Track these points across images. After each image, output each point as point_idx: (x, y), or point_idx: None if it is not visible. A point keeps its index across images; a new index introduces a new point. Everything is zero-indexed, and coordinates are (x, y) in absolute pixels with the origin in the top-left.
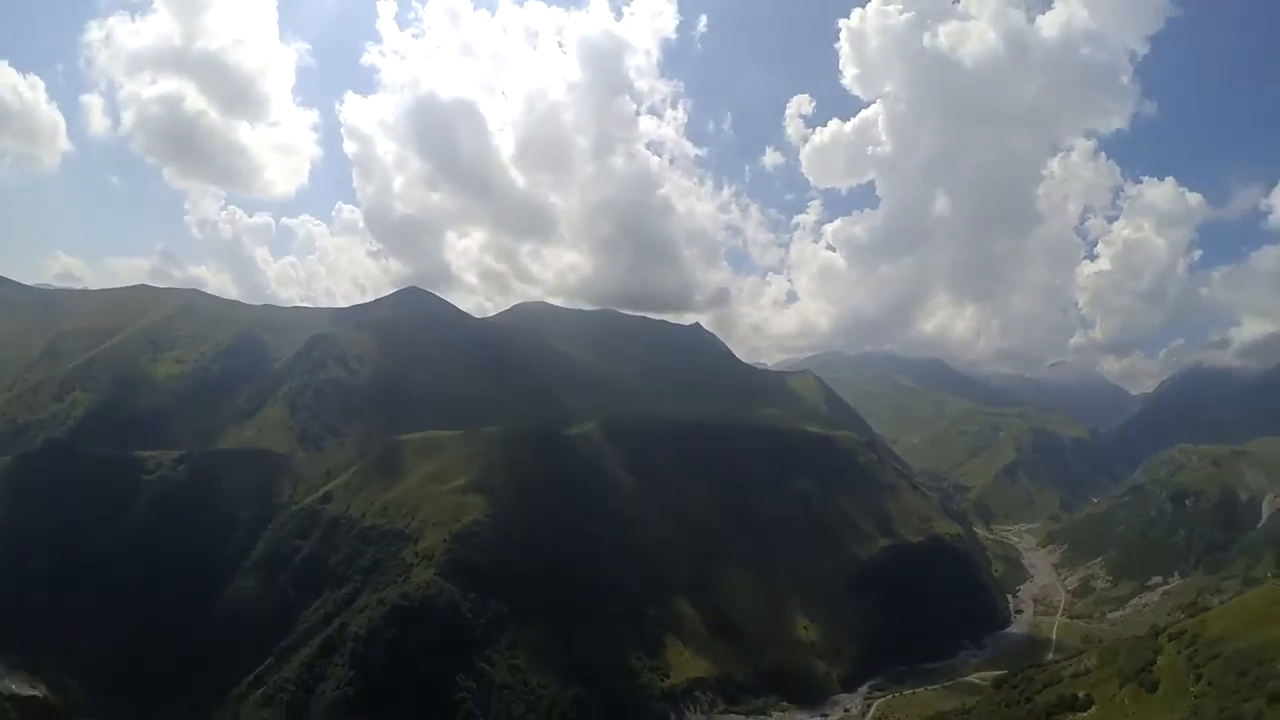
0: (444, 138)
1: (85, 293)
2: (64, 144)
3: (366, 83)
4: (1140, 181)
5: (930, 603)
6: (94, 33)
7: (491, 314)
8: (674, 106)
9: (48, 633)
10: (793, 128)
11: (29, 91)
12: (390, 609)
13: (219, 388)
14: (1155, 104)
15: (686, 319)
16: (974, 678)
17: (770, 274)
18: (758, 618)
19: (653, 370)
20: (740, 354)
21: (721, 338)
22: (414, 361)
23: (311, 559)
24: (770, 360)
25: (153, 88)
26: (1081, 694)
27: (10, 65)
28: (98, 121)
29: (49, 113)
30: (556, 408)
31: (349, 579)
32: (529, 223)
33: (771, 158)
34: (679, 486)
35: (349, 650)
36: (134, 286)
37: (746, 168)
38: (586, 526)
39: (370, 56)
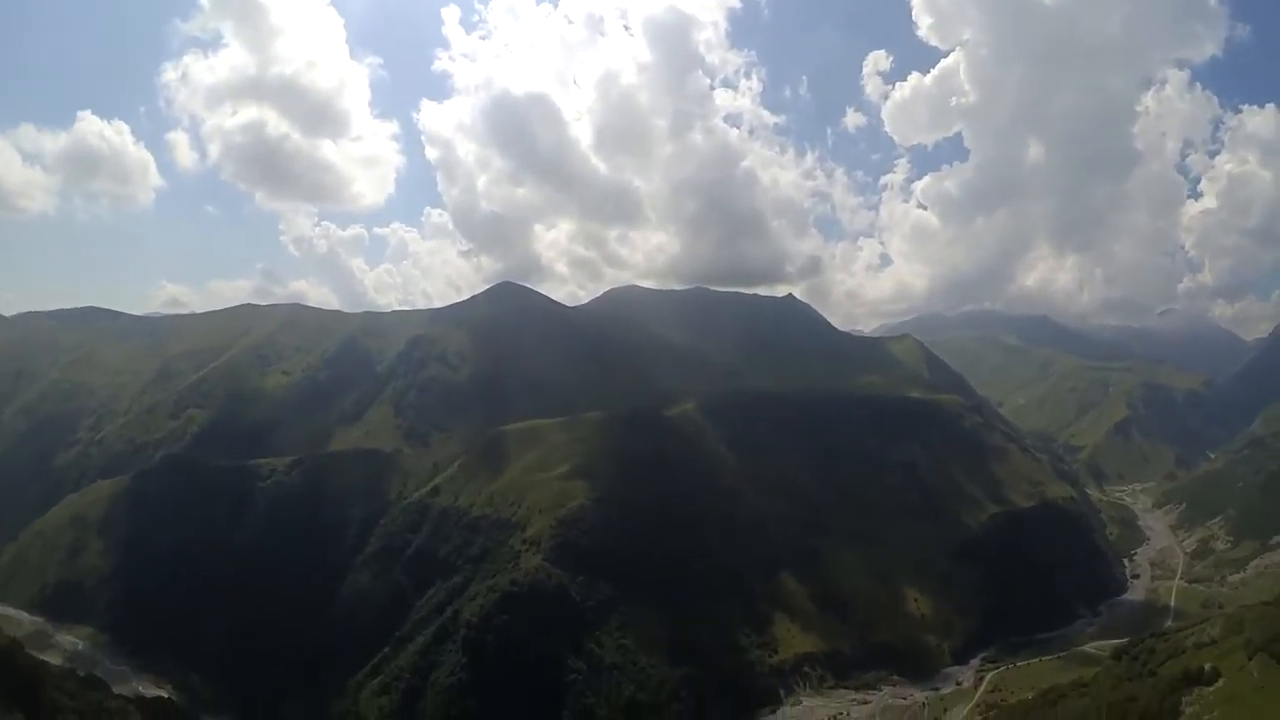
0: (522, 133)
1: (192, 316)
2: (155, 180)
3: (441, 88)
4: (1240, 111)
5: (1043, 570)
6: (170, 74)
7: (584, 301)
8: (748, 76)
9: (174, 636)
10: (871, 85)
11: (115, 136)
12: (501, 595)
13: (326, 394)
14: (1248, 27)
15: (780, 290)
16: (1090, 647)
17: (861, 238)
18: (865, 591)
19: (748, 345)
20: (836, 322)
21: (816, 307)
22: (511, 354)
23: (423, 551)
24: (867, 327)
25: (234, 118)
26: (1207, 666)
27: (94, 114)
28: (185, 156)
29: (137, 153)
30: (654, 389)
31: (460, 568)
32: (614, 208)
33: (853, 119)
34: (781, 461)
35: (462, 637)
36: (238, 306)
37: (828, 131)
38: (690, 505)
39: (441, 63)
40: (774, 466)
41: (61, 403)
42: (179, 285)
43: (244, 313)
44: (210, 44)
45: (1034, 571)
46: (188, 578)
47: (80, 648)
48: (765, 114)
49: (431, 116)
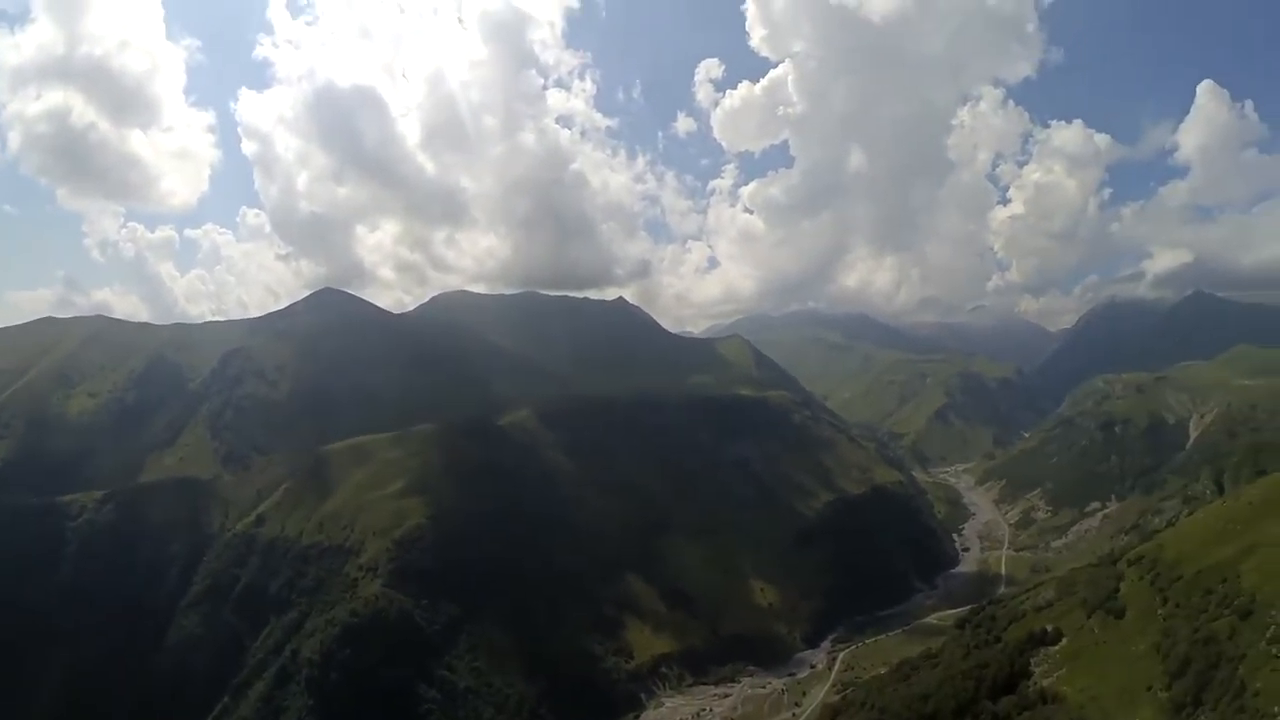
0: (346, 128)
1: None
2: None
3: (261, 77)
4: (1049, 126)
5: (879, 550)
6: None
7: (411, 308)
8: (582, 78)
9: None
10: (703, 92)
11: None
12: (341, 628)
13: (136, 418)
14: (1061, 50)
15: (610, 294)
16: (933, 619)
17: (690, 241)
18: (712, 586)
19: (580, 349)
20: (667, 324)
21: (647, 309)
22: (336, 366)
23: (252, 587)
24: (697, 328)
25: (38, 102)
26: (1049, 627)
27: None
28: None
29: None
30: (487, 397)
31: (294, 603)
32: (441, 209)
33: (684, 124)
34: (619, 464)
35: (305, 676)
36: (38, 320)
37: (660, 135)
38: (530, 515)
39: (263, 49)
40: (612, 470)
41: None
42: None
43: (44, 327)
44: (17, 18)
45: (871, 552)
46: (4, 629)
47: None
48: (598, 116)
49: (250, 107)
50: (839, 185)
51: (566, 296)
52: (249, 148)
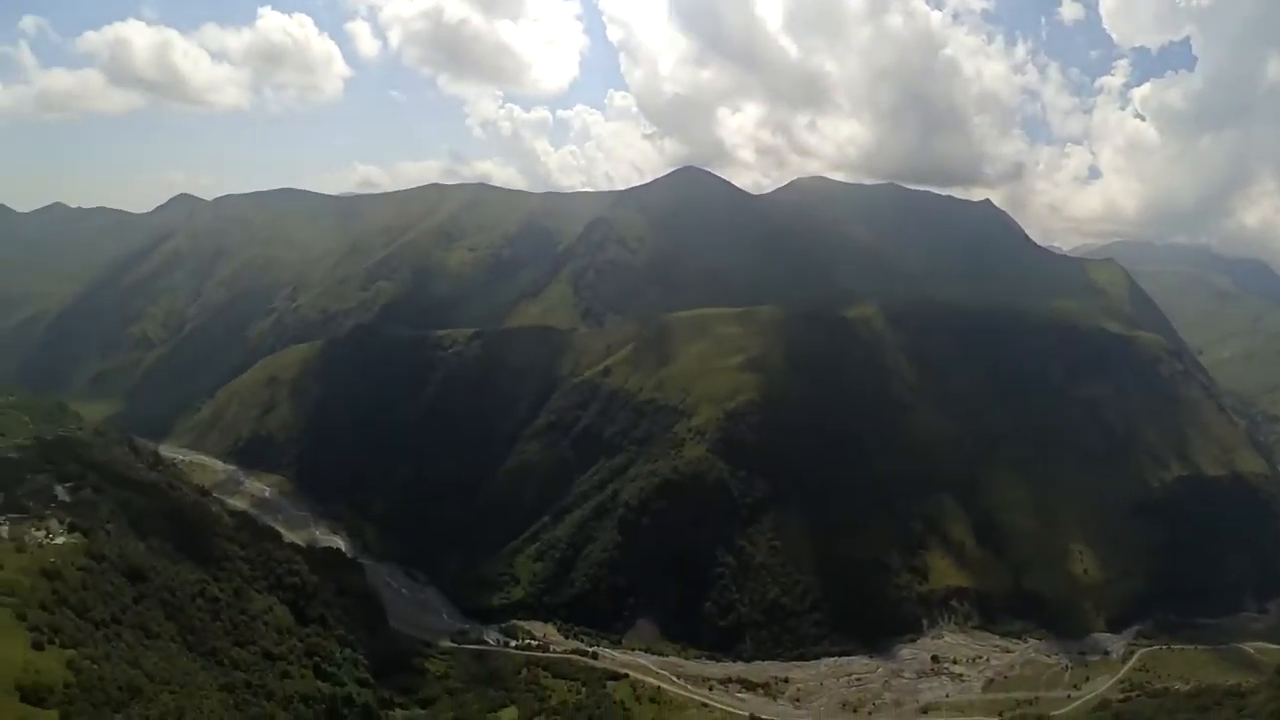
0: (707, 11)
1: (381, 196)
2: (342, 69)
3: None
4: None
5: (1217, 549)
6: None
7: (768, 190)
8: None
9: (352, 489)
10: None
11: (298, 29)
12: (661, 481)
13: (507, 271)
14: None
15: (976, 194)
16: (1250, 647)
17: (1070, 145)
18: (1026, 533)
19: (937, 250)
20: (1034, 235)
21: (1014, 216)
22: (690, 240)
23: (590, 429)
24: (1066, 244)
25: (411, 4)
26: None
27: (274, 9)
28: (368, 45)
29: (321, 44)
30: (834, 288)
31: (623, 449)
32: (803, 93)
33: (1069, 9)
34: (958, 379)
35: (618, 516)
36: (425, 186)
37: (1041, 21)
38: (858, 413)
39: None
40: (949, 383)
41: (259, 277)
42: (370, 166)
43: (431, 192)
44: None
45: (1207, 549)
46: (368, 437)
47: (267, 494)
48: None
49: None
50: (1250, 98)
51: (929, 193)
52: (614, 34)
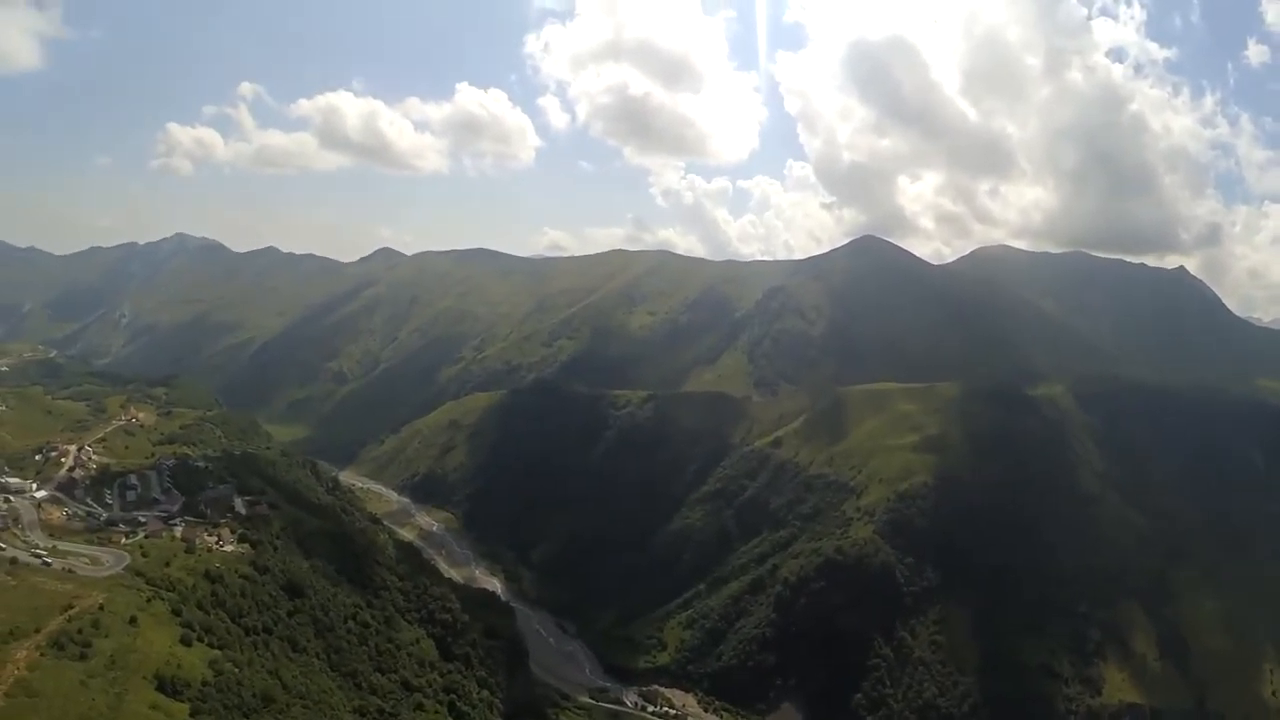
0: (883, 80)
1: (568, 259)
2: (534, 140)
3: (795, 38)
4: None
5: None
6: (532, 44)
7: (949, 260)
8: (1128, 3)
9: (515, 534)
10: (1273, 12)
11: (494, 103)
12: (823, 560)
13: (685, 336)
14: None
15: (1168, 261)
16: None
17: (1269, 203)
18: (1216, 648)
19: (1127, 323)
20: (1232, 305)
21: (1210, 284)
22: (868, 311)
23: (755, 500)
24: (1268, 315)
25: (598, 80)
26: None
27: (471, 84)
28: (557, 117)
29: (515, 117)
30: (1017, 363)
31: (788, 523)
32: (984, 158)
33: (1255, 52)
34: (1149, 467)
35: (775, 592)
36: (610, 251)
37: (1229, 66)
38: (1040, 501)
39: (793, 12)
40: (1140, 471)
41: (450, 326)
42: (559, 231)
43: (615, 257)
44: (565, 14)
45: None
46: (537, 486)
47: (435, 529)
48: (1152, 47)
49: (788, 67)
50: None
51: (1118, 261)
52: (791, 105)
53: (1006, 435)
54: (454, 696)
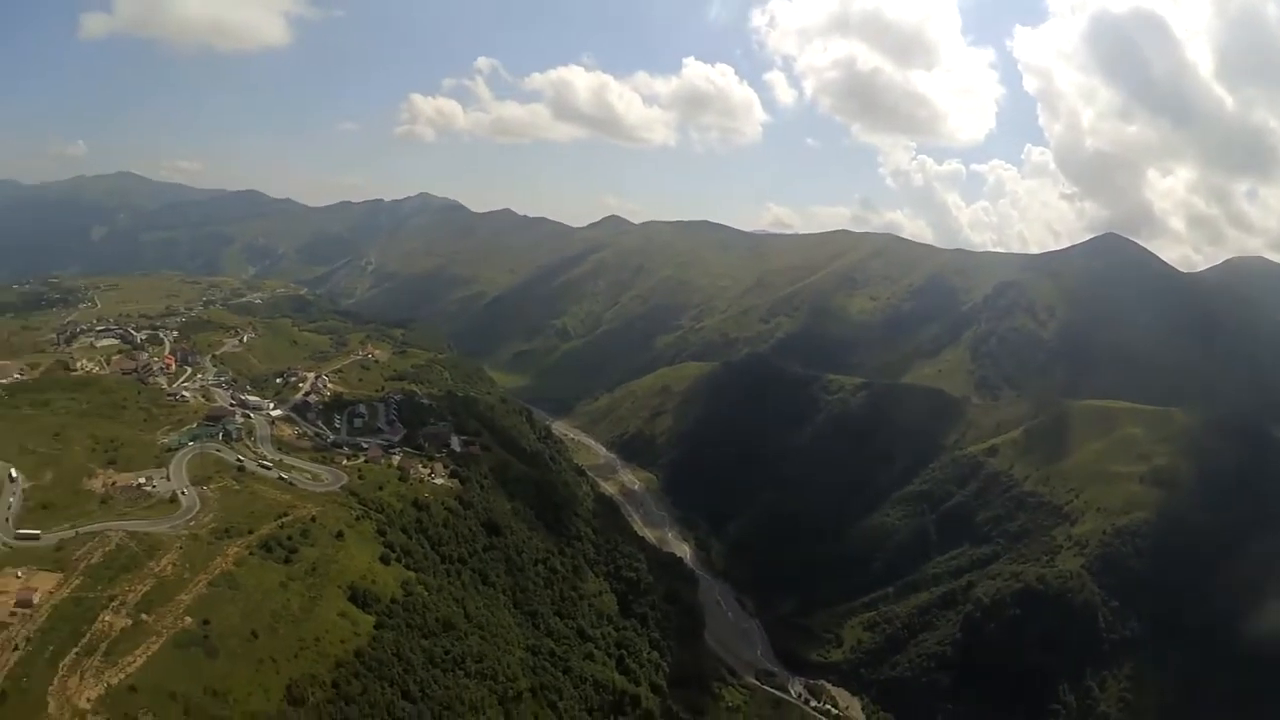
0: (1131, 59)
1: (792, 236)
2: (761, 115)
3: (1034, 11)
4: None
5: None
6: (758, 19)
7: (1200, 268)
8: None
9: (711, 503)
10: None
11: (720, 78)
12: (1022, 587)
13: (906, 325)
14: None
15: None
16: None
17: None
18: None
19: None
20: None
21: None
22: (1105, 317)
23: (961, 508)
24: None
25: (824, 55)
26: None
27: (698, 59)
28: (784, 93)
29: (742, 91)
30: (1269, 394)
31: (991, 539)
32: (1242, 154)
33: None
34: None
35: (965, 612)
36: (834, 231)
37: None
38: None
39: None
40: None
41: (670, 295)
42: (782, 207)
43: (839, 238)
44: None
45: None
46: (740, 460)
47: (636, 487)
48: None
49: (1027, 43)
50: None
51: None
52: (1030, 84)
53: (1248, 478)
54: (624, 652)
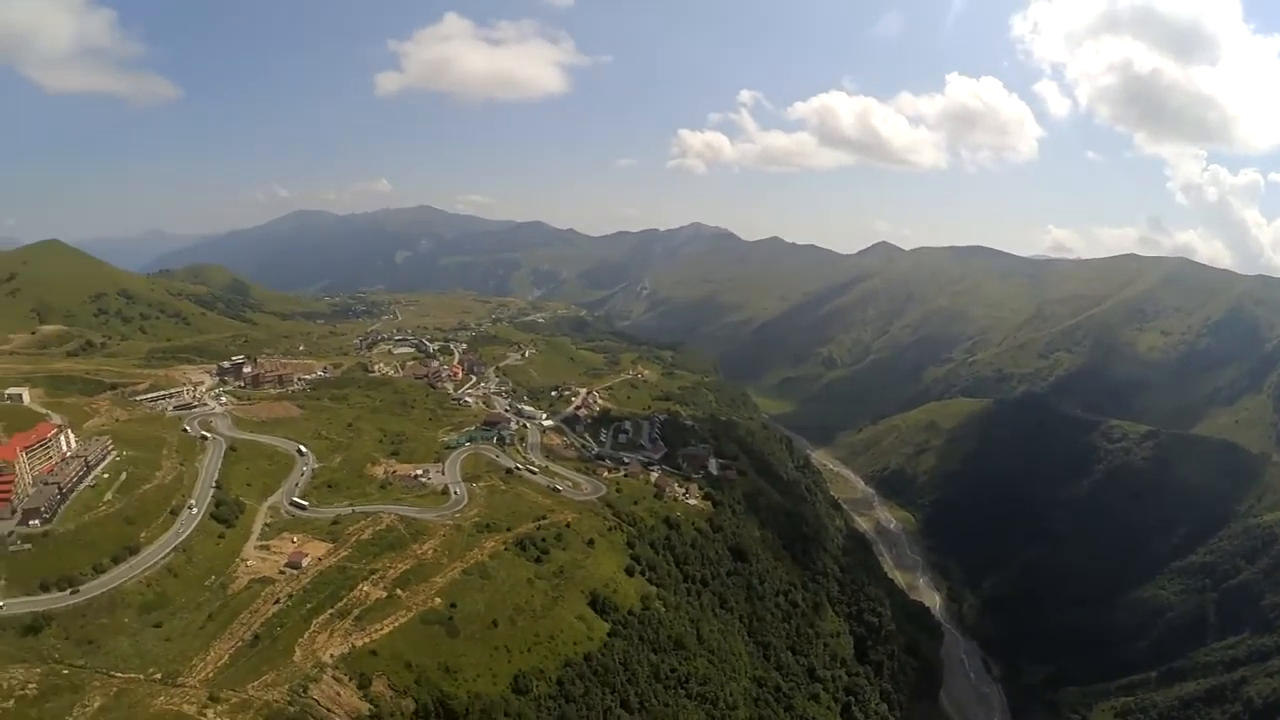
0: None
1: (1074, 262)
2: (1035, 130)
3: None
4: None
5: None
6: (1020, 26)
7: None
8: None
9: (968, 552)
10: None
11: (987, 93)
12: None
13: (1200, 365)
14: None
15: None
16: None
17: None
18: None
19: None
20: None
21: None
22: None
23: (1247, 587)
24: None
25: (1097, 58)
26: None
27: (960, 74)
28: (1057, 104)
29: (1011, 105)
30: None
31: (1277, 628)
32: None
33: None
34: None
35: (1233, 713)
36: (1120, 256)
37: None
38: None
39: None
40: None
41: (942, 326)
42: (1064, 230)
43: (1125, 263)
44: None
45: None
46: (1005, 506)
47: (891, 525)
48: None
49: None
50: None
51: None
52: None
53: None
54: (852, 699)
